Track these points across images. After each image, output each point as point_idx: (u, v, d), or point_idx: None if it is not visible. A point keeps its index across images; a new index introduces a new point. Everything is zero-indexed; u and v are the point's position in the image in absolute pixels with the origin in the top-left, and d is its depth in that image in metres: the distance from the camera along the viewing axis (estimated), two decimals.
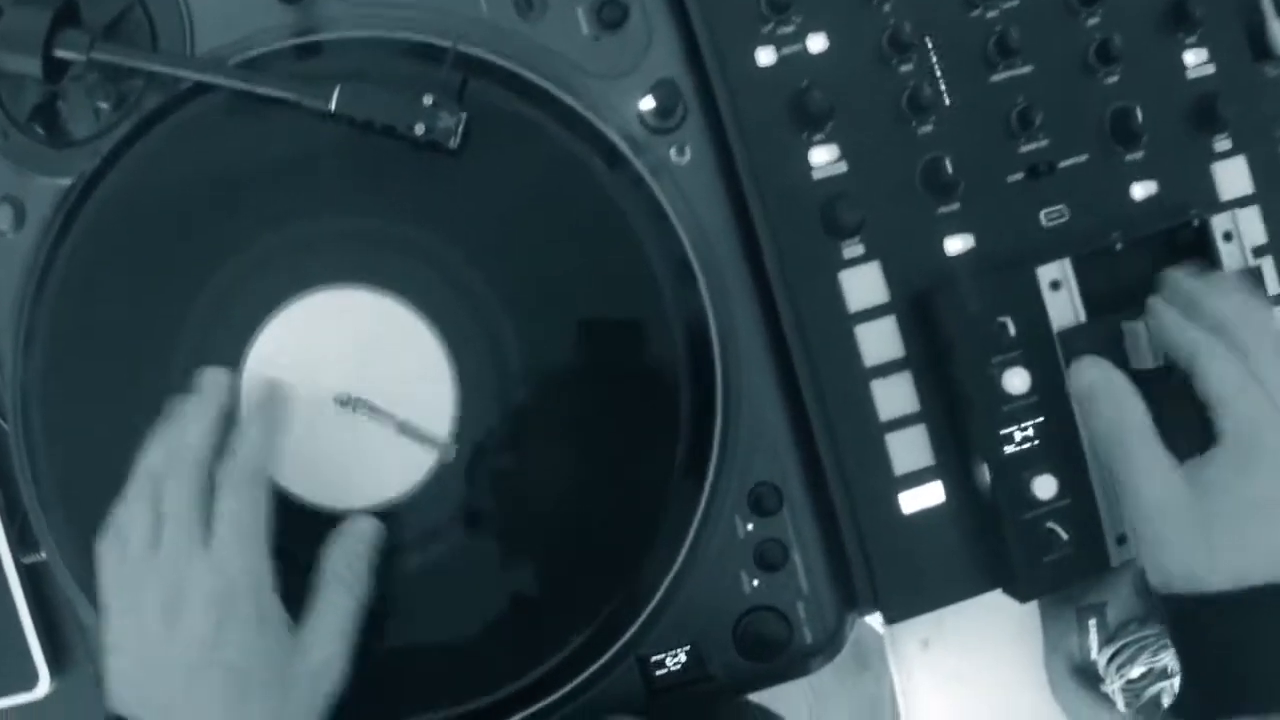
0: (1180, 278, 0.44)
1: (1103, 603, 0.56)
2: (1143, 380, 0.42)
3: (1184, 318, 0.42)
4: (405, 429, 0.43)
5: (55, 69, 0.46)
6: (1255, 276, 0.45)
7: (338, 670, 0.40)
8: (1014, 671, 0.59)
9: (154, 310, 0.45)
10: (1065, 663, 0.56)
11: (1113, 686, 0.53)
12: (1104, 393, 0.42)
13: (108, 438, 0.45)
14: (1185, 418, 0.41)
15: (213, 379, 0.43)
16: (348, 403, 0.44)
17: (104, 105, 0.47)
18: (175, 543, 0.39)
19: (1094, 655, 0.55)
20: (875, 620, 0.63)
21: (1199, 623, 0.40)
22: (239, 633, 0.38)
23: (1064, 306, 0.44)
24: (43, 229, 0.47)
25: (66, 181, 0.47)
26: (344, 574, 0.41)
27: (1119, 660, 0.52)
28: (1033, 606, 0.59)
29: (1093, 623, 0.56)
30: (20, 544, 0.51)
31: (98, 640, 0.41)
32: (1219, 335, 0.41)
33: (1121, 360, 0.43)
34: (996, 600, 0.50)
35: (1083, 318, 0.44)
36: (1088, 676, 0.56)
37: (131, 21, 0.47)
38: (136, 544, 0.40)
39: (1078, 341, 0.44)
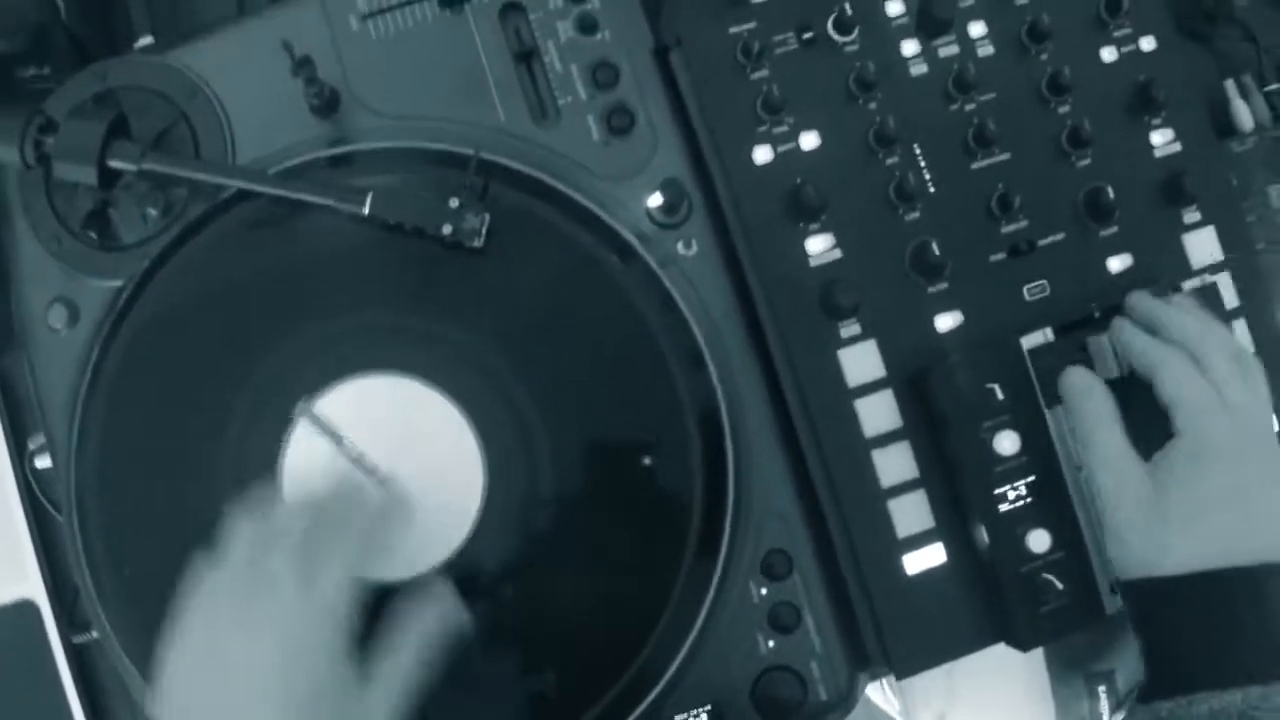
0: (1143, 297, 0.47)
1: (1111, 669, 0.58)
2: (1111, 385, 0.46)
3: (1145, 333, 0.45)
4: (348, 450, 0.46)
5: (108, 178, 0.49)
6: (1210, 293, 0.49)
7: None
8: None
9: (200, 404, 0.48)
10: None
11: None
12: (1079, 391, 0.45)
13: (160, 527, 0.48)
14: (1149, 420, 0.44)
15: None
16: (381, 481, 0.47)
17: (153, 212, 0.50)
18: (275, 569, 0.39)
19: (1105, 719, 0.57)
20: (889, 704, 0.65)
21: (1155, 606, 0.42)
22: (308, 671, 0.38)
23: None
24: (95, 328, 0.50)
25: (117, 284, 0.50)
26: (417, 640, 0.41)
27: None
28: (1044, 675, 0.61)
29: (1103, 689, 0.58)
30: (70, 624, 0.54)
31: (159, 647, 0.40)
32: (1176, 347, 0.44)
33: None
34: (1008, 671, 0.52)
35: None
36: None
37: (176, 134, 0.51)
38: (238, 559, 0.40)
39: (1047, 357, 0.47)
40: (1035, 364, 0.47)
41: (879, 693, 0.67)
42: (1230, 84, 0.58)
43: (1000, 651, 0.49)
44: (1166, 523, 0.42)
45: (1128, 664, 0.59)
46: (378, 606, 0.41)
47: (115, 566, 0.48)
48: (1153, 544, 0.42)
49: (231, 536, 0.41)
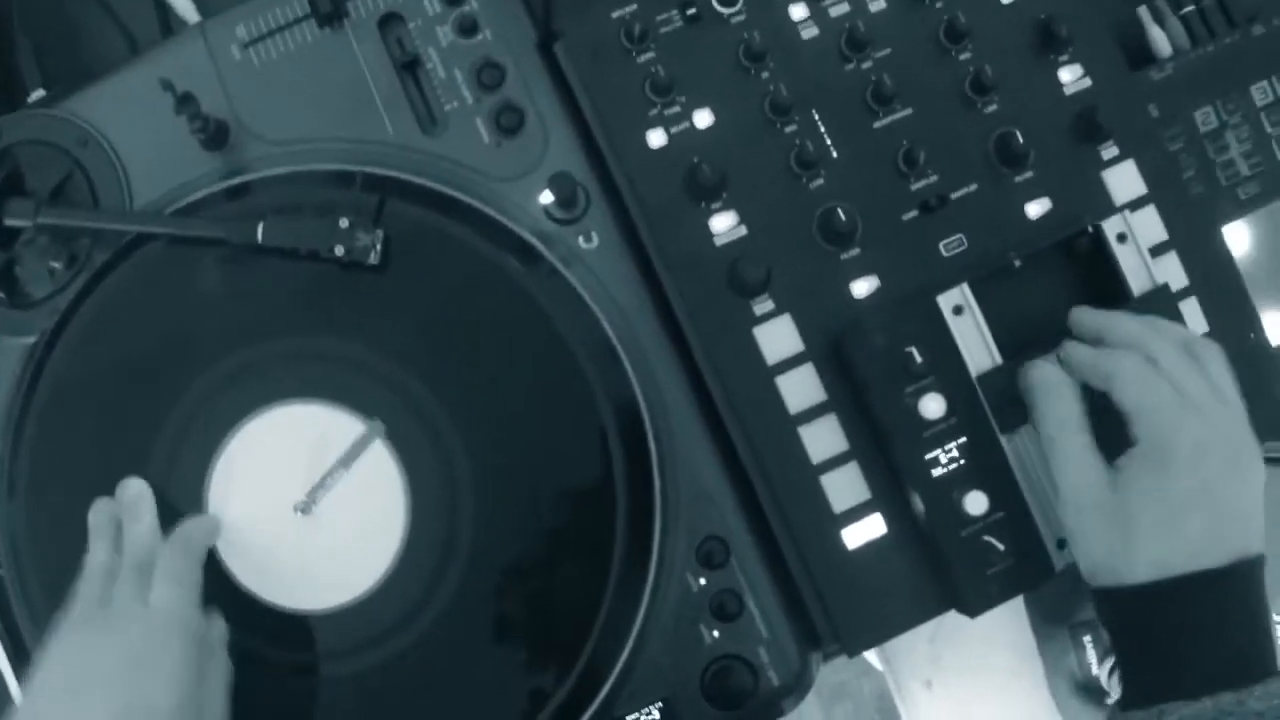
0: (1084, 311, 0.46)
1: (1094, 618, 0.57)
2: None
3: (1093, 349, 0.44)
4: (346, 461, 0.46)
5: (6, 236, 0.49)
6: (1163, 294, 0.47)
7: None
8: (1019, 699, 0.60)
9: (121, 446, 0.48)
10: (1068, 683, 0.57)
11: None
12: (1043, 388, 0.44)
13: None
14: (1114, 431, 0.43)
15: (136, 490, 0.47)
16: (304, 507, 0.46)
17: (57, 265, 0.50)
18: (122, 597, 0.43)
19: (1094, 671, 0.56)
20: (877, 660, 0.64)
21: (1125, 614, 0.41)
22: (144, 681, 0.41)
23: (969, 329, 0.46)
24: (14, 385, 0.50)
25: (31, 340, 0.50)
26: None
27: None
28: (1028, 633, 0.60)
29: (1088, 639, 0.57)
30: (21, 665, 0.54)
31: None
32: (1127, 352, 0.43)
33: None
34: (992, 631, 0.51)
35: (989, 337, 0.46)
36: (1091, 692, 0.56)
37: (73, 185, 0.51)
38: (84, 603, 0.44)
39: (997, 382, 0.46)
40: (984, 389, 0.46)
41: (872, 653, 0.67)
42: (1143, 10, 0.56)
43: (983, 616, 0.48)
44: (1132, 532, 0.41)
45: None
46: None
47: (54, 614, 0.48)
48: (1118, 553, 0.41)
49: (82, 576, 0.45)
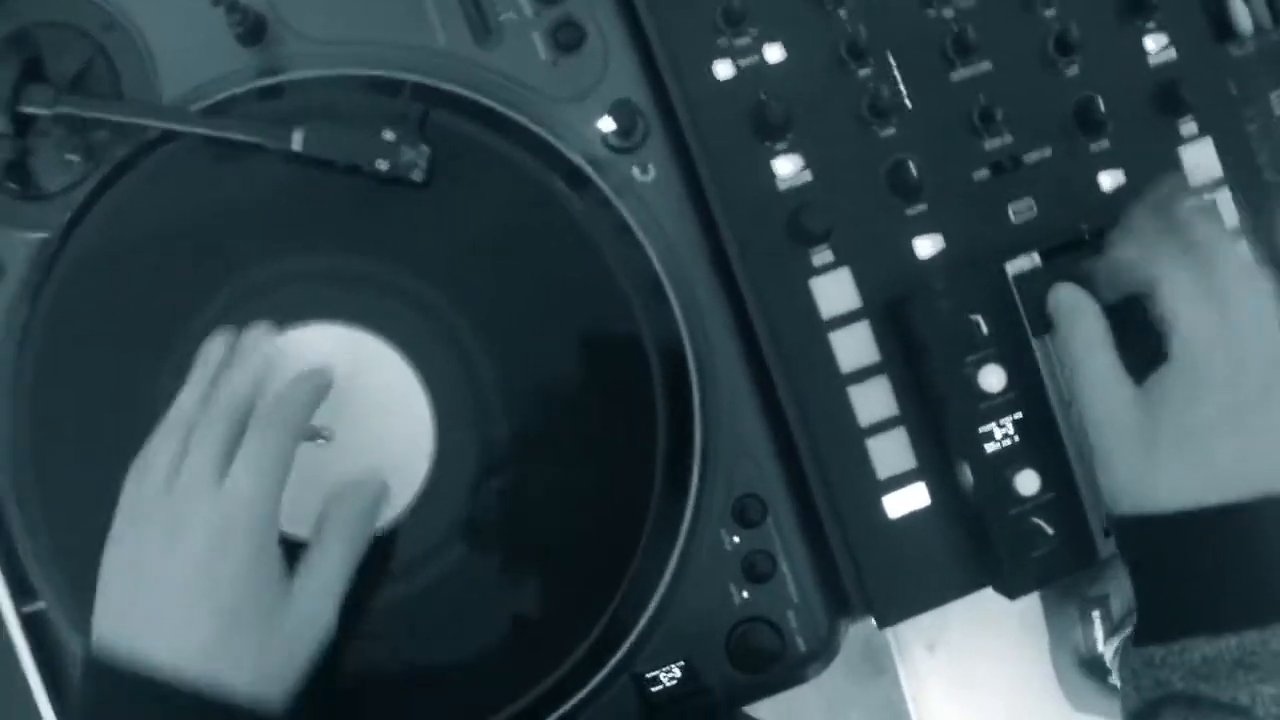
0: (1169, 190, 0.43)
1: (1105, 594, 0.56)
2: (1109, 311, 0.42)
3: (1144, 246, 0.42)
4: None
5: (22, 124, 0.46)
6: (1209, 212, 0.45)
7: (325, 623, 0.40)
8: (1022, 669, 0.59)
9: (134, 356, 0.46)
10: (1072, 657, 0.56)
11: None
12: (1068, 310, 0.42)
13: (97, 485, 0.45)
14: (1145, 347, 0.41)
15: (256, 337, 0.43)
16: (322, 435, 0.44)
17: (74, 158, 0.47)
18: (192, 475, 0.39)
19: (1100, 648, 0.55)
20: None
21: (1145, 544, 0.40)
22: (233, 568, 0.38)
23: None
24: (22, 283, 0.47)
25: (44, 235, 0.47)
26: (343, 529, 0.41)
27: None
28: (1036, 603, 0.59)
29: (1097, 615, 0.56)
30: (20, 593, 0.52)
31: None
32: (1179, 259, 0.40)
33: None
34: (998, 600, 0.50)
35: None
36: (1095, 669, 0.55)
37: (96, 73, 0.48)
38: (155, 477, 0.40)
39: (1034, 285, 0.44)
40: (1021, 292, 0.44)
41: None
42: None
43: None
44: (1157, 453, 0.39)
45: (1122, 589, 0.57)
46: None
47: (53, 531, 0.46)
48: (1143, 476, 0.39)
49: (155, 443, 0.41)
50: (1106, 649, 0.55)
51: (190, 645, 0.38)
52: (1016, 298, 0.44)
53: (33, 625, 0.51)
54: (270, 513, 0.40)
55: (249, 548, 0.39)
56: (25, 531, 0.47)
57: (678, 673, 0.45)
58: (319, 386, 0.42)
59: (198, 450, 0.40)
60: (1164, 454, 0.39)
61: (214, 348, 0.43)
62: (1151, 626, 0.40)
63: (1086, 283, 0.43)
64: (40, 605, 0.50)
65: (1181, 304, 0.39)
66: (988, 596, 0.52)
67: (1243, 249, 0.43)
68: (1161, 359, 0.40)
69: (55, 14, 0.47)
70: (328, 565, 0.41)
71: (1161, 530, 0.39)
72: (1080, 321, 0.42)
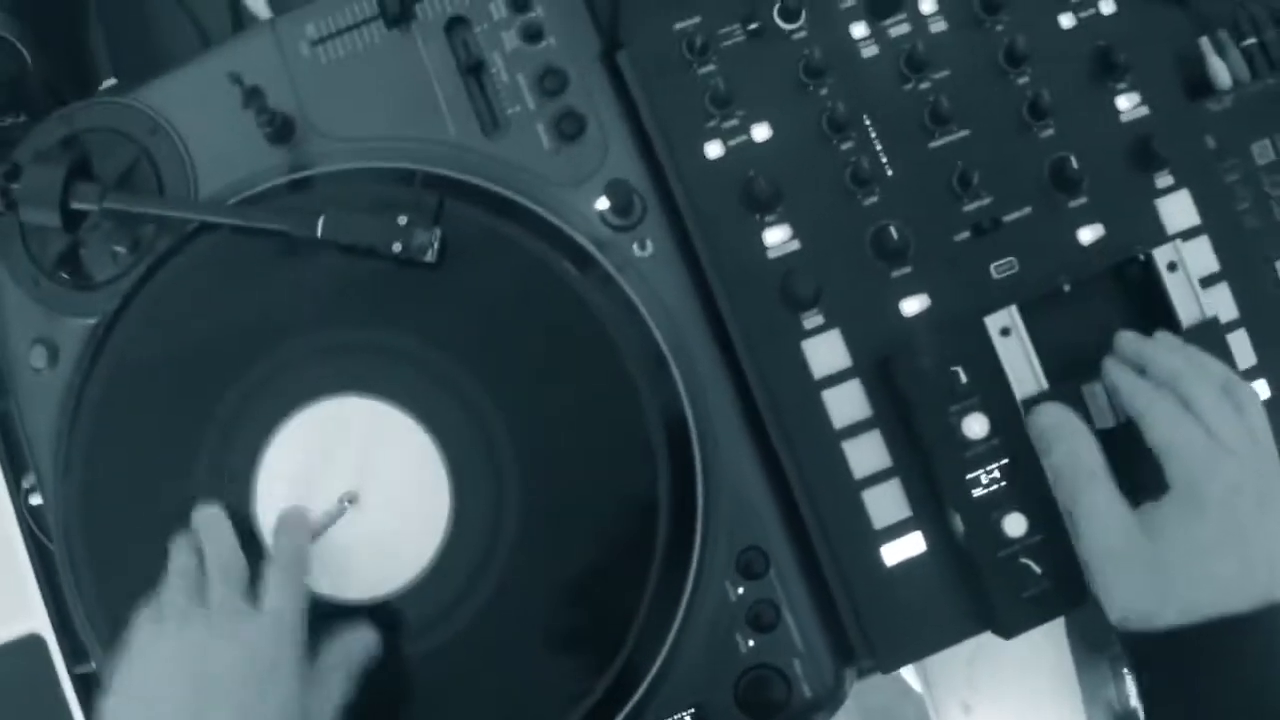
0: (1130, 337, 0.46)
1: None
2: (1106, 438, 0.44)
3: (1134, 375, 0.44)
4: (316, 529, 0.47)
5: (73, 219, 0.50)
6: (1212, 327, 0.47)
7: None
8: None
9: (176, 430, 0.49)
10: (1105, 713, 0.57)
11: None
12: (1059, 434, 0.44)
13: (143, 551, 0.49)
14: (1147, 470, 0.42)
15: (208, 514, 0.47)
16: (350, 500, 0.47)
17: (121, 249, 0.51)
18: (224, 601, 0.43)
19: (1133, 703, 0.56)
20: (916, 681, 0.64)
21: (1151, 656, 0.41)
22: (286, 675, 0.42)
23: (1016, 351, 0.46)
24: (74, 366, 0.51)
25: (93, 321, 0.51)
26: (348, 667, 0.45)
27: None
28: (1068, 661, 0.60)
29: (1128, 670, 0.56)
30: (75, 657, 0.55)
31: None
32: (1165, 388, 0.43)
33: (1085, 421, 0.45)
34: (1031, 658, 0.51)
35: (1035, 361, 0.46)
36: None
37: (140, 172, 0.52)
38: (180, 602, 0.44)
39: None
40: (1029, 412, 0.46)
41: (911, 674, 0.66)
42: (1205, 41, 0.56)
43: (1024, 638, 0.47)
44: (1165, 578, 0.41)
45: None
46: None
47: (104, 594, 0.49)
48: (1150, 599, 0.41)
49: (167, 581, 0.45)
50: (1139, 704, 0.55)
51: None
52: (1017, 399, 0.46)
53: (89, 687, 0.55)
54: (302, 634, 0.43)
55: (288, 662, 0.42)
56: (78, 598, 0.50)
57: None
58: (304, 532, 0.47)
59: (220, 584, 0.44)
60: (1170, 576, 0.41)
61: (181, 544, 0.46)
62: None
63: (1088, 405, 0.45)
64: (91, 667, 0.54)
65: (1170, 437, 0.42)
66: (1020, 657, 0.53)
67: (1216, 368, 0.44)
68: (1160, 478, 0.42)
69: (104, 120, 0.52)
70: (331, 693, 0.44)
71: (1165, 642, 0.40)
72: (1074, 447, 0.43)
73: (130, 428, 0.50)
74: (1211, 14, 0.57)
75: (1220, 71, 0.55)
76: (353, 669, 0.45)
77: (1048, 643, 0.59)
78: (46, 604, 0.56)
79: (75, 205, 0.49)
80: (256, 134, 0.50)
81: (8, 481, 0.57)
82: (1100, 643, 0.59)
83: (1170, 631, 0.40)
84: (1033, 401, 0.46)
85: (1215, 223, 0.50)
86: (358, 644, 0.45)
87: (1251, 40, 0.56)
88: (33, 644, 0.56)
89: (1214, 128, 0.53)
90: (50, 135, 0.52)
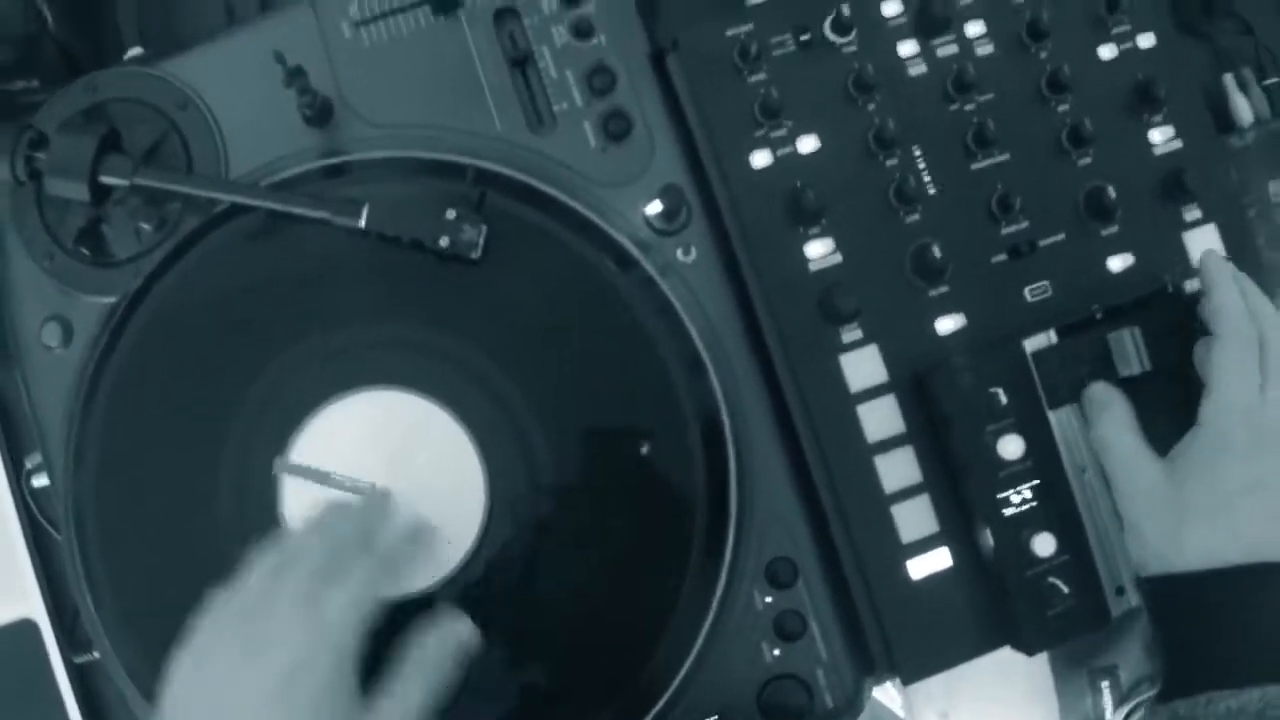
0: (1219, 263, 0.46)
1: (1114, 664, 0.58)
2: (1128, 384, 0.46)
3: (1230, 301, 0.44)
4: (335, 482, 0.46)
5: (100, 193, 0.49)
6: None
7: None
8: None
9: (197, 419, 0.48)
10: None
11: None
12: (1098, 401, 0.46)
13: (158, 541, 0.48)
14: (1168, 415, 0.44)
15: (376, 497, 0.45)
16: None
17: (146, 227, 0.50)
18: (289, 597, 0.39)
19: (1109, 716, 0.57)
20: (892, 702, 0.65)
21: (1173, 603, 0.42)
22: (312, 692, 0.38)
23: None
24: (90, 345, 0.49)
25: (111, 300, 0.49)
26: (427, 668, 0.40)
27: None
28: (1046, 672, 0.61)
29: (1105, 684, 0.58)
30: (71, 644, 0.53)
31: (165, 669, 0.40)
32: (1247, 325, 0.43)
33: (1109, 367, 0.47)
34: (1010, 668, 0.52)
35: None
36: None
37: (168, 147, 0.50)
38: (250, 587, 0.41)
39: (1050, 360, 0.47)
40: (1039, 366, 0.47)
41: (883, 691, 0.67)
42: (1229, 78, 0.57)
43: (1001, 650, 0.49)
44: (1183, 516, 0.42)
45: (1130, 659, 0.58)
46: (387, 625, 0.41)
47: (115, 586, 0.48)
48: (1170, 538, 0.42)
49: (250, 565, 0.41)
50: (1115, 717, 0.57)
51: None
52: (1034, 372, 0.47)
53: (83, 675, 0.53)
54: (355, 645, 0.39)
55: (330, 674, 0.38)
56: (86, 586, 0.49)
57: None
58: (417, 541, 0.45)
59: (294, 575, 0.40)
60: (1190, 519, 0.42)
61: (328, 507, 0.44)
62: (1177, 681, 0.42)
63: (1114, 352, 0.47)
64: (92, 656, 0.52)
65: (1226, 372, 0.42)
66: (998, 666, 0.54)
67: None
68: (1179, 432, 0.43)
69: (136, 92, 0.50)
70: (408, 700, 0.40)
71: (1188, 588, 0.41)
72: (1108, 409, 0.45)
73: (148, 413, 0.48)
74: (1234, 51, 0.59)
75: (1243, 108, 0.57)
76: (438, 678, 0.40)
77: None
78: (42, 590, 0.54)
79: (104, 179, 0.47)
80: (292, 115, 0.49)
81: (5, 463, 0.55)
82: (1079, 655, 0.60)
83: (1192, 574, 0.41)
84: (1043, 355, 0.47)
85: (1238, 257, 0.52)
86: (438, 646, 0.41)
87: (1274, 79, 0.57)
88: (26, 629, 0.55)
89: (1235, 163, 0.55)
90: (74, 103, 0.50)
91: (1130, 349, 0.46)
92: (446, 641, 0.41)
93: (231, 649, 0.39)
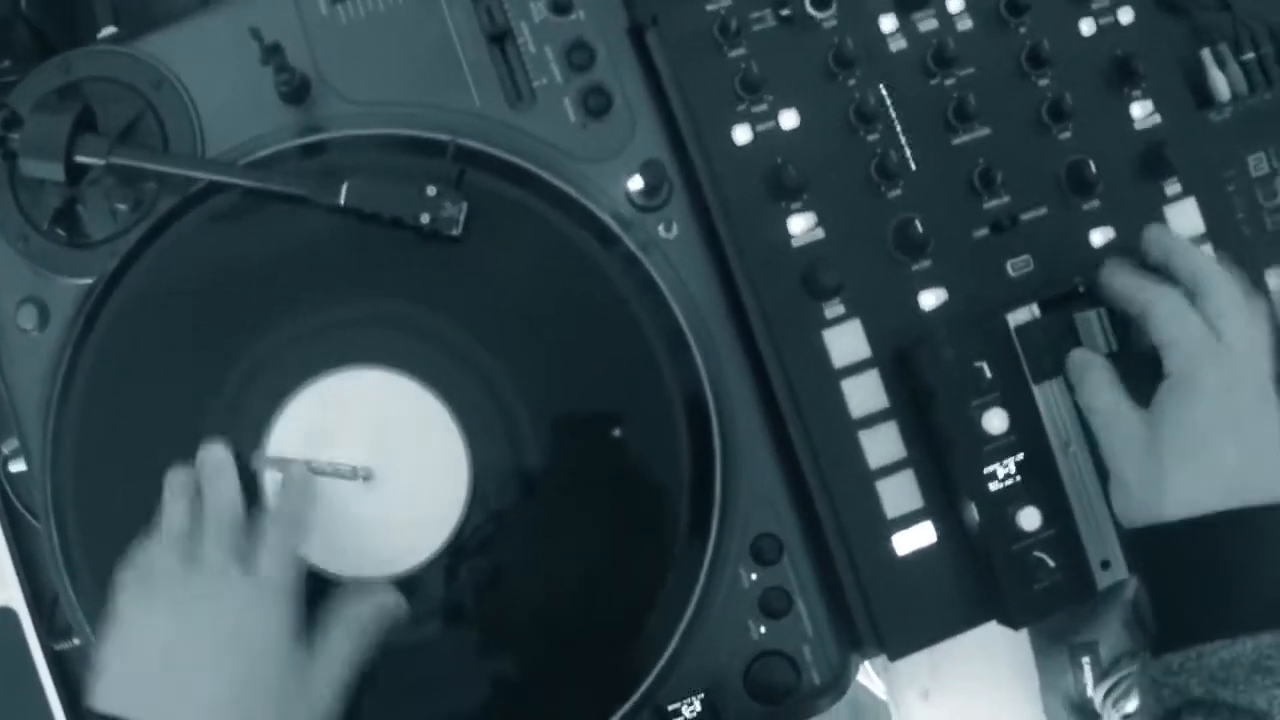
0: (1159, 228, 0.47)
1: (1094, 640, 0.58)
2: (1113, 360, 0.46)
3: (1135, 273, 0.45)
4: (316, 469, 0.46)
5: (76, 173, 0.48)
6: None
7: (326, 709, 0.41)
8: (1014, 715, 0.61)
9: (176, 402, 0.47)
10: (1062, 702, 0.58)
11: None
12: (1079, 366, 0.46)
13: (138, 526, 0.47)
14: (1142, 384, 0.44)
15: (215, 458, 0.45)
16: (365, 476, 0.46)
17: (121, 207, 0.49)
18: (215, 562, 0.42)
19: (1090, 692, 0.57)
20: (873, 684, 0.65)
21: (1159, 555, 0.42)
22: (262, 646, 0.40)
23: None
24: (66, 328, 0.49)
25: (87, 281, 0.49)
26: (352, 626, 0.43)
27: (1114, 695, 0.55)
28: (1027, 649, 0.61)
29: (1086, 660, 0.58)
30: (50, 631, 0.53)
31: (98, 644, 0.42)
32: (1167, 285, 0.44)
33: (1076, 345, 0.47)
34: (991, 646, 0.52)
35: None
36: (1085, 714, 0.58)
37: (143, 126, 0.50)
38: (166, 566, 0.42)
39: (1033, 333, 0.47)
40: (1022, 340, 0.47)
41: (864, 674, 0.67)
42: (1207, 54, 0.58)
43: (983, 627, 0.49)
44: (1163, 464, 0.41)
45: (1110, 635, 0.59)
46: None
47: (94, 572, 0.47)
48: (1152, 486, 0.42)
49: (158, 536, 0.43)
50: (1096, 694, 0.57)
51: (215, 717, 0.39)
52: (1018, 346, 0.47)
53: (62, 662, 0.53)
54: (291, 593, 0.42)
55: (279, 630, 0.41)
56: (66, 573, 0.48)
57: (699, 705, 0.47)
58: (310, 489, 0.45)
59: (213, 543, 0.42)
60: (1169, 463, 0.41)
61: (178, 473, 0.45)
62: (1169, 635, 0.41)
63: (1080, 333, 0.47)
64: (72, 644, 0.52)
65: (1173, 325, 0.42)
66: (978, 645, 0.54)
67: (1234, 276, 0.45)
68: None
69: (110, 71, 0.50)
70: (333, 659, 0.42)
71: (1173, 538, 0.41)
72: (1089, 370, 0.45)
73: (126, 396, 0.48)
74: (1212, 27, 0.59)
75: (1220, 84, 0.57)
76: (363, 637, 0.43)
77: (1007, 631, 0.60)
78: (20, 576, 0.54)
79: (80, 158, 0.47)
80: (268, 92, 0.49)
81: None
82: (1059, 632, 0.60)
83: (1176, 524, 0.40)
84: (1027, 328, 0.47)
85: (1218, 231, 0.52)
86: (366, 609, 0.43)
87: (1250, 55, 0.57)
88: (4, 616, 0.54)
89: (1214, 138, 0.55)
90: (47, 82, 0.49)
91: (1096, 329, 0.47)
92: (371, 603, 0.44)
93: (172, 615, 0.41)
